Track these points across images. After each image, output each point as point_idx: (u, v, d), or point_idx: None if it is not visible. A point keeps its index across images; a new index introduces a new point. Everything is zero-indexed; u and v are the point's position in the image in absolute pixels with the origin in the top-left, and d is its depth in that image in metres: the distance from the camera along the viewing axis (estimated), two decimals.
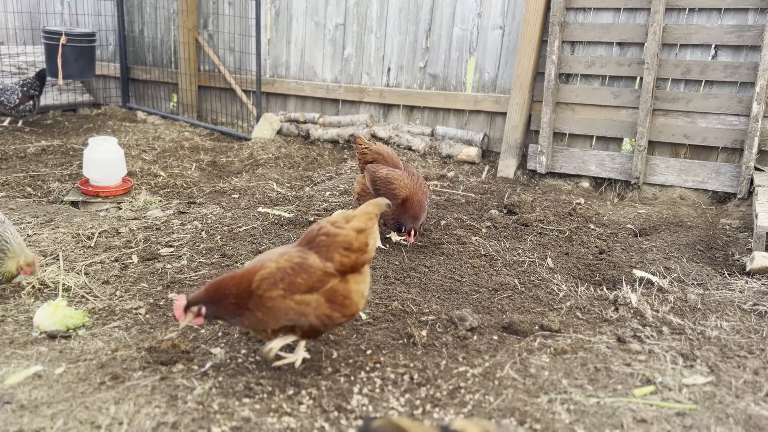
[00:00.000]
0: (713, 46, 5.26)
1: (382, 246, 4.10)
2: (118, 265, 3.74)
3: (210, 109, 7.91)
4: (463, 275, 3.72)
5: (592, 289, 3.59)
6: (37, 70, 7.80)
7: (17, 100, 6.72)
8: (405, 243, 4.15)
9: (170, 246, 4.04)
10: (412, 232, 3.98)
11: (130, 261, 3.81)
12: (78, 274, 3.58)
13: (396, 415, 1.60)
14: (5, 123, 6.97)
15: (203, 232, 4.25)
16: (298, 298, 2.48)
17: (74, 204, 4.91)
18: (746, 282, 3.60)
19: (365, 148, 4.31)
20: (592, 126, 5.74)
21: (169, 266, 3.70)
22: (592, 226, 4.69)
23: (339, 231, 2.57)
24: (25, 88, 6.80)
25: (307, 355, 2.75)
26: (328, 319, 2.55)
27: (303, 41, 7.15)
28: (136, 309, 3.21)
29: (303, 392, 2.49)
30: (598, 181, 5.80)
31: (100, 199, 4.92)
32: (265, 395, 2.46)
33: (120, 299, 3.32)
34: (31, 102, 6.86)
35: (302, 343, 2.71)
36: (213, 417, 2.30)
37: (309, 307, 2.49)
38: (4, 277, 3.21)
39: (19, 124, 6.99)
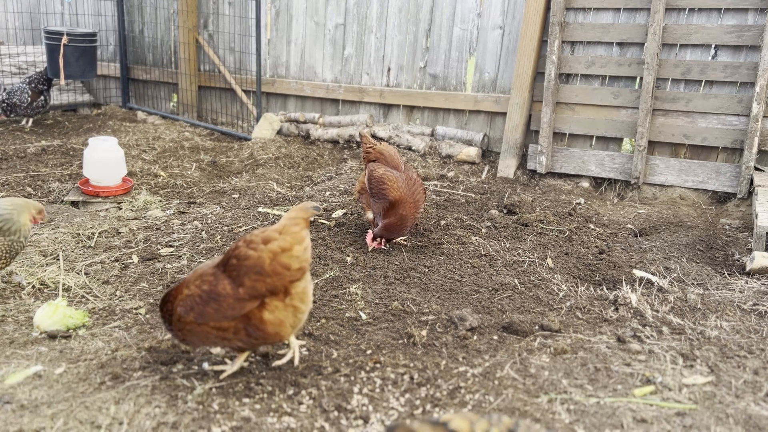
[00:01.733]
0: (713, 46, 5.26)
1: (382, 246, 4.09)
2: (118, 265, 3.74)
3: (210, 109, 7.91)
4: (463, 275, 3.72)
5: (592, 289, 3.59)
6: (38, 69, 7.82)
7: (29, 99, 6.78)
8: (404, 243, 4.16)
9: (170, 246, 4.04)
10: (378, 240, 3.94)
11: (131, 261, 3.81)
12: (78, 274, 3.58)
13: (414, 422, 1.57)
14: (29, 124, 7.01)
15: (203, 232, 4.25)
16: (213, 324, 2.38)
17: (74, 204, 4.91)
18: (746, 282, 3.60)
19: (370, 147, 4.27)
20: (592, 126, 5.74)
21: (169, 266, 3.70)
22: (592, 226, 4.69)
23: (250, 254, 2.33)
24: (32, 85, 6.85)
25: (302, 344, 2.77)
26: (250, 344, 2.45)
27: (303, 41, 7.15)
28: (136, 309, 3.21)
29: (303, 392, 2.49)
30: (598, 181, 5.80)
31: (100, 199, 4.92)
32: (265, 395, 2.46)
33: (120, 299, 3.33)
34: (42, 98, 6.94)
35: (291, 337, 2.65)
36: (213, 417, 2.30)
37: (228, 333, 2.39)
38: (21, 233, 3.20)
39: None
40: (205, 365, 2.64)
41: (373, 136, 6.63)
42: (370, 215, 4.12)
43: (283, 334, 2.44)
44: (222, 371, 2.60)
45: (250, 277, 2.33)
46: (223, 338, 2.42)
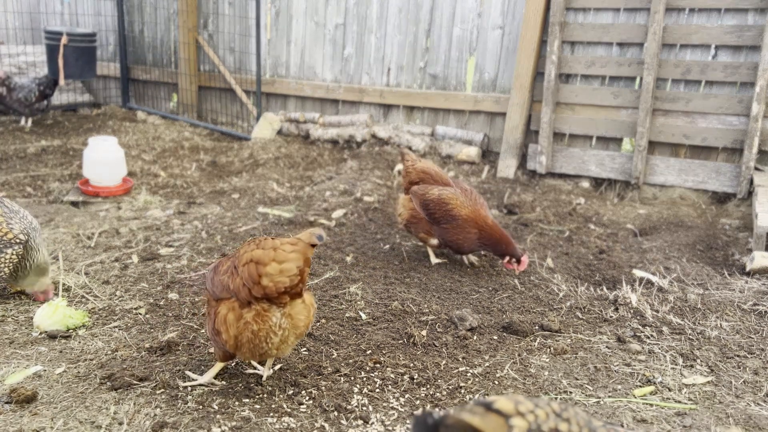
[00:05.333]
0: (713, 46, 5.26)
1: (381, 246, 4.09)
2: (118, 265, 3.74)
3: (210, 109, 7.91)
4: (463, 275, 3.72)
5: (592, 289, 3.59)
6: (37, 69, 7.81)
7: (34, 99, 6.81)
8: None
9: (170, 246, 4.03)
10: (524, 258, 3.62)
11: (130, 261, 3.81)
12: (78, 274, 3.58)
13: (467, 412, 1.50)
14: (29, 124, 7.00)
15: (203, 232, 4.25)
16: (206, 296, 2.53)
17: (74, 204, 4.91)
18: (746, 282, 3.60)
19: (410, 165, 3.93)
20: (592, 126, 5.73)
21: (169, 266, 3.70)
22: (592, 226, 4.69)
23: (242, 248, 2.36)
24: (41, 87, 6.87)
25: (268, 374, 2.64)
26: (212, 337, 2.49)
27: (303, 41, 7.15)
28: (136, 309, 3.21)
29: (303, 392, 2.48)
30: (598, 181, 5.80)
31: (100, 199, 4.91)
32: (265, 395, 2.46)
33: (120, 299, 3.32)
34: (44, 101, 6.96)
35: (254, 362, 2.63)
36: (213, 417, 2.30)
37: (208, 309, 2.52)
38: (11, 283, 3.23)
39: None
40: (188, 373, 2.58)
41: (373, 136, 6.62)
42: (434, 241, 3.81)
43: (226, 339, 2.34)
44: (194, 380, 2.53)
45: (232, 268, 2.34)
46: (207, 314, 2.45)
